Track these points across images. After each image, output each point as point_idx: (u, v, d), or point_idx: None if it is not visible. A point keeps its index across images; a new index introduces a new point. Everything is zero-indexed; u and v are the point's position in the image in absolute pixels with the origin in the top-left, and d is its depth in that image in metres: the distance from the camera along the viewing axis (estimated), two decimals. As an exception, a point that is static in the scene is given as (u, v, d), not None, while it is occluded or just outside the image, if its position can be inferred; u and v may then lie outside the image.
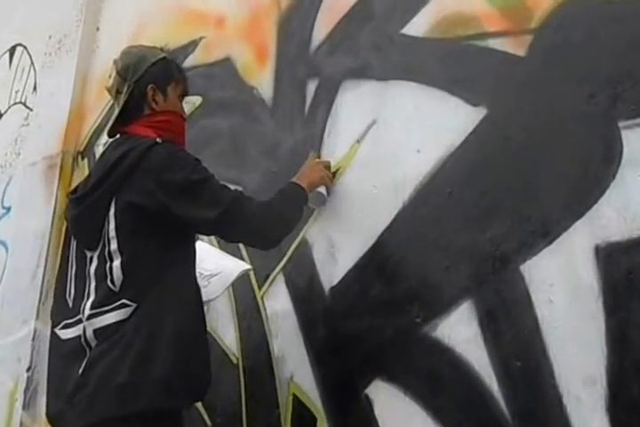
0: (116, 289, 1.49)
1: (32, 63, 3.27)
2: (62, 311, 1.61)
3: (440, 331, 1.57)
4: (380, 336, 1.68)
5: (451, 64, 1.76)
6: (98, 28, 2.97)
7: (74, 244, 1.66)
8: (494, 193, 1.60)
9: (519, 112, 1.60)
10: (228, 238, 1.70)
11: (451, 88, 1.74)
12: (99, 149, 2.77)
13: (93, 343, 1.49)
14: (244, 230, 1.58)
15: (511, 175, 1.58)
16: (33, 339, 2.61)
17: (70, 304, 1.59)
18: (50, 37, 3.14)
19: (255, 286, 2.03)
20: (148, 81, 1.71)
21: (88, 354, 1.49)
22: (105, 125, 2.78)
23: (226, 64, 2.38)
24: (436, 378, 1.56)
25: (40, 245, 2.77)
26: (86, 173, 2.79)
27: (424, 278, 1.66)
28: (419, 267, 1.68)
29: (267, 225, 1.61)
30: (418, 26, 1.86)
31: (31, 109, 3.20)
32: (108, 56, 2.86)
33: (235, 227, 1.55)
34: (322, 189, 1.86)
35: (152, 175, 1.53)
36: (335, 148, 1.95)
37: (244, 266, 1.86)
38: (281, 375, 1.88)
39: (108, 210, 1.56)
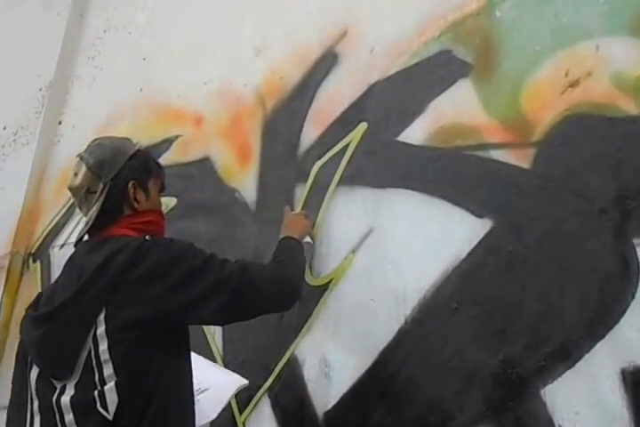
0: (110, 416, 1.37)
1: (-19, 156, 3.25)
2: None
3: (454, 464, 1.54)
4: (385, 470, 1.63)
5: (451, 173, 1.84)
6: (60, 122, 3.00)
7: (33, 373, 1.52)
8: (505, 311, 1.62)
9: (527, 226, 1.67)
10: (248, 316, 1.65)
11: (453, 198, 1.80)
12: (54, 252, 2.72)
13: None
14: (262, 303, 1.61)
15: (522, 292, 1.62)
16: None
17: None
18: (4, 128, 3.15)
19: (235, 409, 1.96)
20: (128, 177, 1.62)
21: None
22: (63, 225, 2.76)
23: (204, 164, 2.43)
24: None
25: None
26: (38, 277, 2.74)
27: (433, 403, 1.63)
28: (426, 390, 1.66)
29: (281, 288, 1.65)
30: (414, 134, 1.95)
31: (-23, 206, 3.15)
32: (70, 151, 2.89)
33: (252, 302, 1.58)
34: (308, 239, 1.98)
35: (157, 280, 1.45)
36: (327, 257, 1.97)
37: (239, 381, 1.78)
38: None
39: (90, 328, 1.43)
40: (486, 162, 1.78)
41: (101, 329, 1.43)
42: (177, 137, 2.56)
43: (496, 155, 1.77)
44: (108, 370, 1.41)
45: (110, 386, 1.39)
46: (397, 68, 2.04)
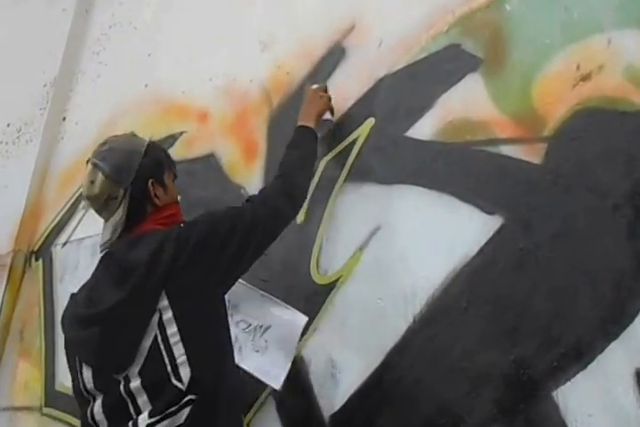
0: (184, 387, 1.45)
1: (-17, 152, 3.25)
2: None
3: (464, 468, 1.52)
4: (392, 474, 1.61)
5: (461, 169, 1.81)
6: (64, 118, 2.99)
7: (86, 372, 1.56)
8: (516, 310, 1.59)
9: (538, 222, 1.64)
10: (278, 235, 1.78)
11: (462, 194, 1.78)
12: (56, 250, 2.71)
13: None
14: (286, 222, 1.79)
15: (534, 290, 1.59)
16: None
17: None
18: (8, 125, 3.14)
19: (240, 411, 1.93)
20: (146, 177, 1.66)
21: None
22: (66, 223, 2.75)
23: (209, 161, 2.41)
24: None
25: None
26: (40, 275, 2.73)
27: (442, 405, 1.61)
28: (435, 392, 1.64)
29: (295, 202, 1.83)
30: (423, 129, 1.92)
31: (-21, 203, 3.14)
32: (74, 148, 2.89)
33: (278, 227, 1.77)
34: (327, 116, 2.04)
35: (202, 259, 1.56)
36: (334, 255, 1.95)
37: (301, 319, 1.80)
38: None
39: (149, 318, 1.50)
40: (496, 157, 1.76)
41: (168, 315, 1.50)
42: (181, 133, 2.55)
43: (506, 150, 1.75)
44: (179, 350, 1.48)
45: (182, 360, 1.47)
46: (405, 63, 2.02)
